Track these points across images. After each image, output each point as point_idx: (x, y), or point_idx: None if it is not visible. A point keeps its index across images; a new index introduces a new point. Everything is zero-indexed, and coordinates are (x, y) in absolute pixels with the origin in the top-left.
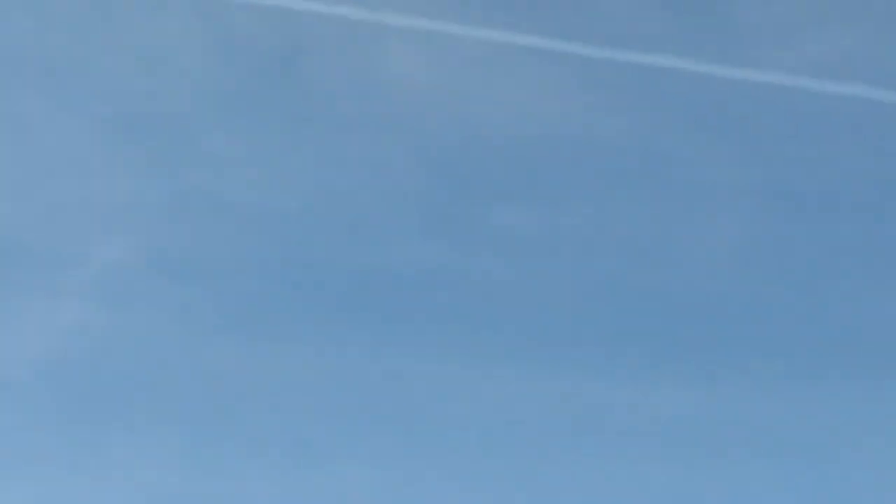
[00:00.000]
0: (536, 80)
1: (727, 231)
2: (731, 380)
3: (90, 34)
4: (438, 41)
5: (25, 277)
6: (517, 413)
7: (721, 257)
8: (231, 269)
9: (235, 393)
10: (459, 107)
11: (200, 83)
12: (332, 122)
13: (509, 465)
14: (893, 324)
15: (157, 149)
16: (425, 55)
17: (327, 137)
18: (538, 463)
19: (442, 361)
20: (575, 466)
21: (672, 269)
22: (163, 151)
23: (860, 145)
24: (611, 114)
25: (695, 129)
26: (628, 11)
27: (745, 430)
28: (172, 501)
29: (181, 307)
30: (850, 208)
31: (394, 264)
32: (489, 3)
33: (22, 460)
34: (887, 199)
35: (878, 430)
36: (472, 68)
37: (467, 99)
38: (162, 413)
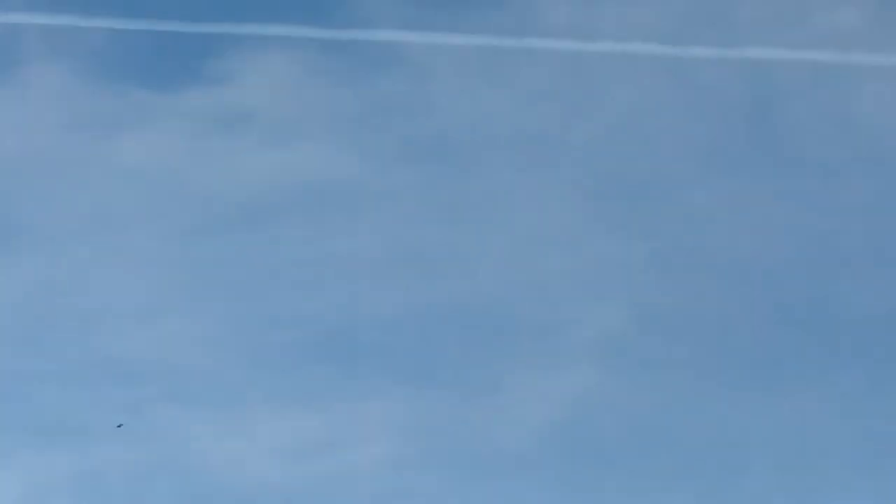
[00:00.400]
0: None
1: None
2: None
3: (563, 104)
4: None
5: (521, 348)
6: None
7: None
8: (721, 324)
9: (738, 449)
10: None
11: (675, 141)
12: (808, 168)
13: None
14: None
15: (637, 209)
16: None
17: (806, 184)
18: None
19: None
20: None
21: None
22: (644, 211)
23: None
24: None
25: None
26: None
27: None
28: None
29: (675, 365)
30: None
31: (891, 303)
32: None
33: None
34: None
35: None
36: None
37: None
38: (665, 472)
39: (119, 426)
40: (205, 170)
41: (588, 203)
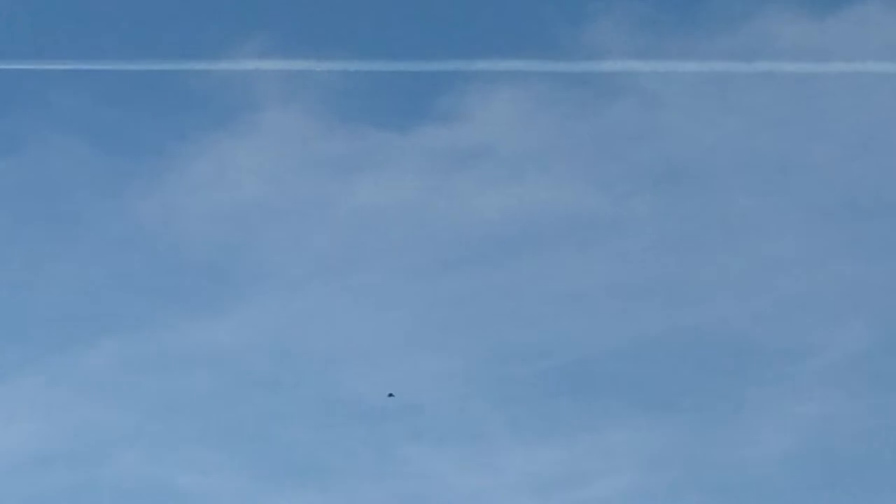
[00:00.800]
0: None
1: None
2: None
3: (797, 127)
4: None
5: (763, 373)
6: None
7: None
8: None
9: None
10: None
11: None
12: None
13: None
14: None
15: (877, 229)
16: None
17: None
18: None
19: None
20: None
21: None
22: (884, 231)
23: None
24: None
25: None
26: None
27: None
28: None
29: None
30: None
31: None
32: None
33: None
34: None
35: None
36: None
37: None
38: None
39: (390, 395)
40: (441, 207)
41: (827, 225)
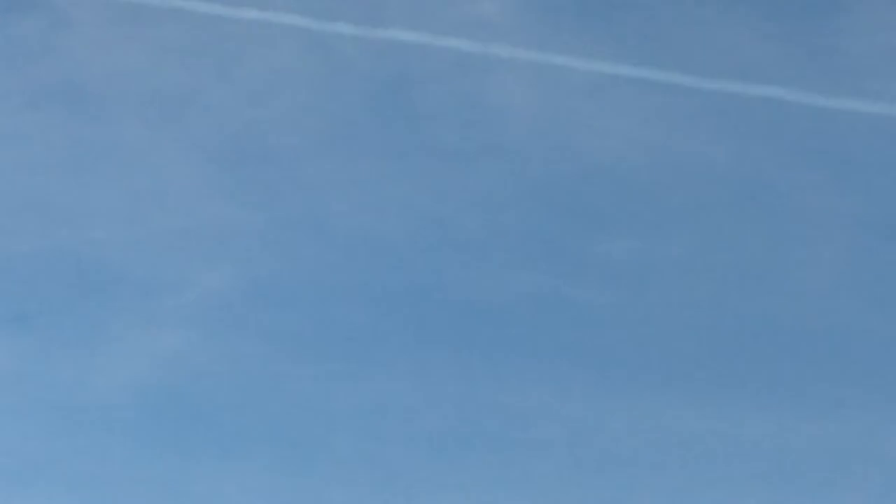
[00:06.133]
0: (640, 111)
1: (826, 260)
2: (820, 404)
3: (201, 67)
4: (544, 73)
5: (125, 304)
6: (611, 436)
7: (819, 286)
8: (329, 297)
9: (330, 420)
10: (563, 137)
11: (307, 114)
12: (436, 151)
13: (601, 490)
14: None
15: (258, 177)
16: (530, 86)
17: (431, 166)
18: (637, 490)
19: (542, 391)
20: (671, 492)
21: (771, 297)
22: (264, 180)
23: None
24: (712, 143)
25: (796, 159)
26: (732, 42)
27: (837, 457)
28: None
29: (277, 334)
30: None
31: (495, 294)
32: (595, 35)
33: (113, 484)
34: None
35: None
36: (577, 99)
37: (571, 129)
38: (254, 440)
39: None
40: None
41: (210, 166)
